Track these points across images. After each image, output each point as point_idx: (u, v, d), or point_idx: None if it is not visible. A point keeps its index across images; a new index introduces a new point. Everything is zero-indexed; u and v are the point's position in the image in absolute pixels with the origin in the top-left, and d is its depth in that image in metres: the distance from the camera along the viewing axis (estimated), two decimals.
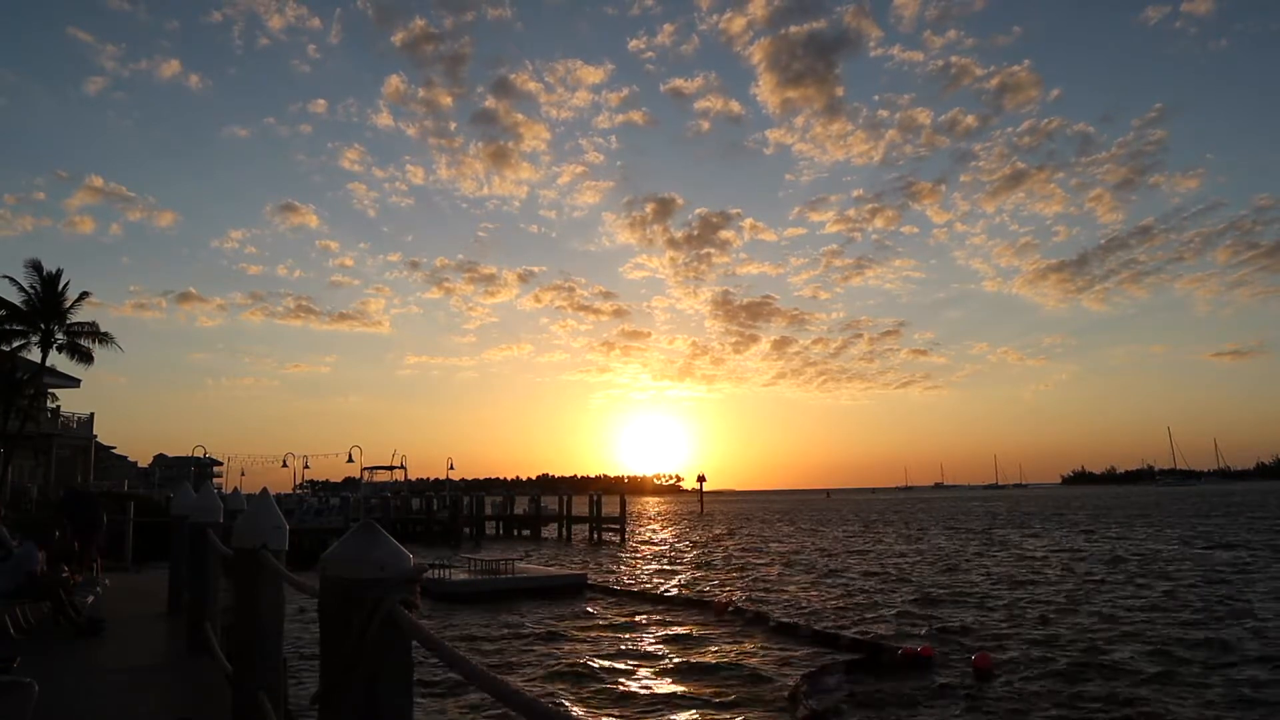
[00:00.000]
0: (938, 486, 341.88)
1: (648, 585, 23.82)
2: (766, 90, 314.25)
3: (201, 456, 57.53)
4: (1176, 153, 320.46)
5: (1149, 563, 26.83)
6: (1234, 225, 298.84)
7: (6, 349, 30.93)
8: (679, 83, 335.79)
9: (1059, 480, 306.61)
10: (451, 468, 62.28)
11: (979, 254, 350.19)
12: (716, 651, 14.16)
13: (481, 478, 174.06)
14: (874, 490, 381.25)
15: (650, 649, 14.65)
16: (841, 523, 63.17)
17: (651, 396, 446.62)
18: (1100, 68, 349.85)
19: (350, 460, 52.43)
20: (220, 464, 63.50)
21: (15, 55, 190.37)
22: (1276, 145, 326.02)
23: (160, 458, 79.21)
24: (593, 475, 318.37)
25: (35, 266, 30.90)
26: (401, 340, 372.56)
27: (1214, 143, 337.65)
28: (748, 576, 25.95)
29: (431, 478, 77.63)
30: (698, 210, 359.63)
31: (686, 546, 40.77)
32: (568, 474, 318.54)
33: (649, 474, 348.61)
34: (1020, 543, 37.27)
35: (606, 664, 13.37)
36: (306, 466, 58.91)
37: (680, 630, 16.34)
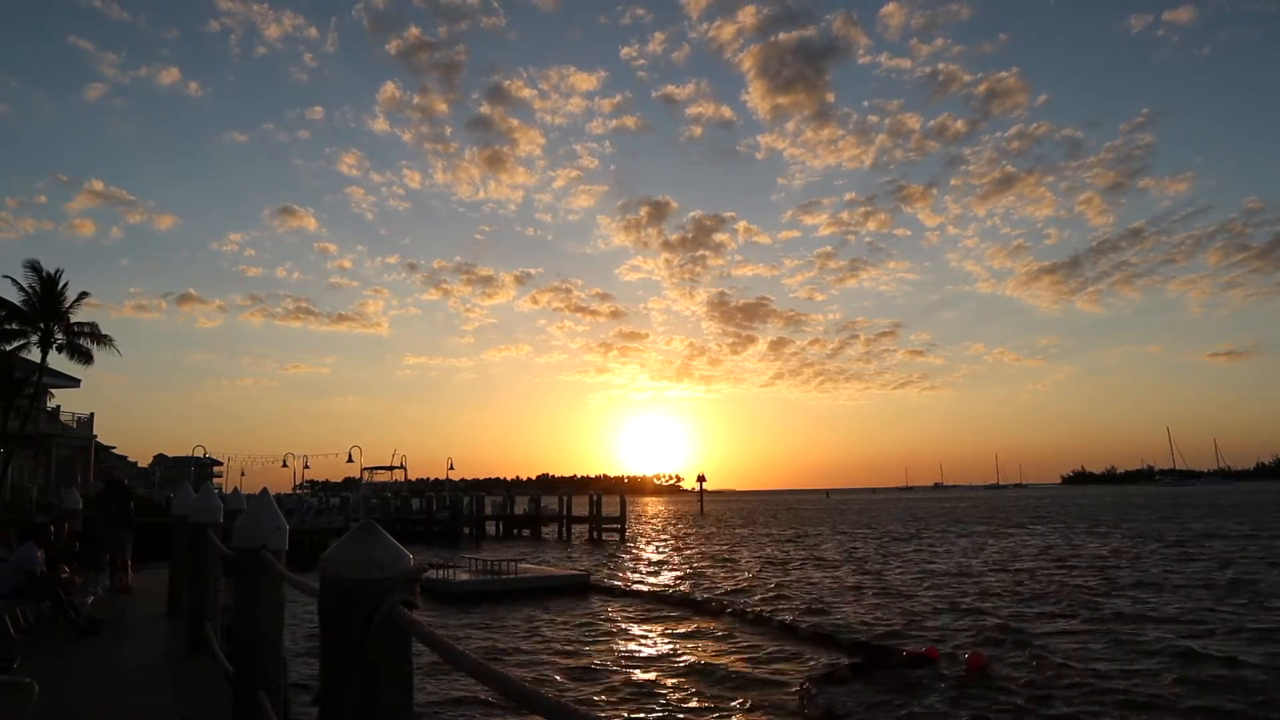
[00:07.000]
0: (937, 487, 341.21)
1: (650, 585, 23.82)
2: (757, 96, 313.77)
3: (201, 456, 57.56)
4: (1165, 156, 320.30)
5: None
6: (1225, 228, 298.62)
7: (6, 349, 30.87)
8: (671, 89, 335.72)
9: (1059, 480, 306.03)
10: (451, 468, 62.26)
11: (972, 256, 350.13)
12: (721, 651, 14.16)
13: (481, 478, 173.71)
14: (874, 490, 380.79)
15: (654, 649, 14.65)
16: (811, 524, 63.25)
17: (650, 397, 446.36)
18: (1086, 74, 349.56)
19: (350, 460, 52.40)
20: (220, 464, 63.54)
21: (17, 62, 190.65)
22: (1265, 149, 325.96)
23: (160, 458, 79.16)
24: (593, 475, 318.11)
25: (34, 267, 30.87)
26: (400, 341, 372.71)
27: (1202, 147, 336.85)
28: (747, 577, 25.94)
29: (431, 478, 77.58)
30: (692, 213, 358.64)
31: (687, 547, 40.77)
32: (568, 474, 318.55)
33: (649, 474, 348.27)
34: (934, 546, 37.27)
35: (611, 663, 13.38)
36: (306, 466, 59.03)
37: (684, 630, 16.35)
